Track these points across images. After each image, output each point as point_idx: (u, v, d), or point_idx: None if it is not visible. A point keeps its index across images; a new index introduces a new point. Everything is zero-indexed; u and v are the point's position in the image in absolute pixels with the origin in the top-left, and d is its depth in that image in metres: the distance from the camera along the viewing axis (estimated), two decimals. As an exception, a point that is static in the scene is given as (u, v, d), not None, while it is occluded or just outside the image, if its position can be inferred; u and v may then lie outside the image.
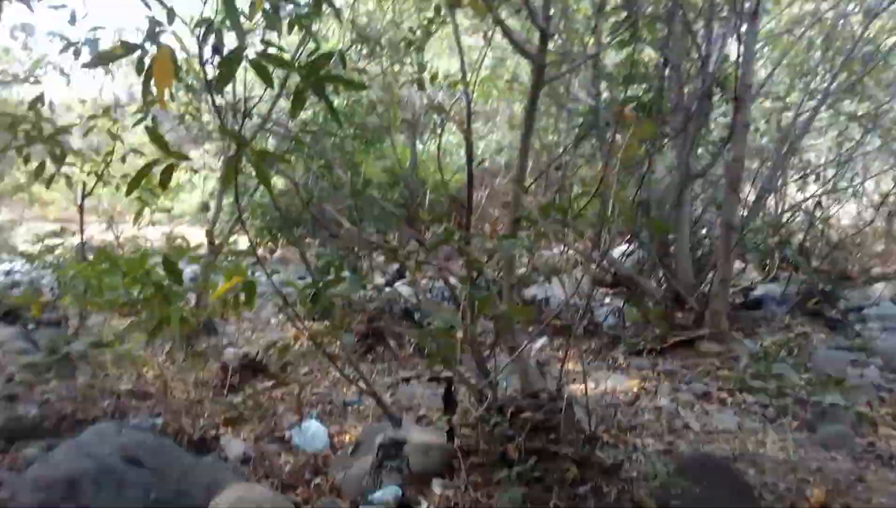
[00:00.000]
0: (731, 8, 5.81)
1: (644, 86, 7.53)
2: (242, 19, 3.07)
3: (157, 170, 2.52)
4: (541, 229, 3.19)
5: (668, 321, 5.76)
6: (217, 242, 7.32)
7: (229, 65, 2.28)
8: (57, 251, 8.42)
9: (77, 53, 4.61)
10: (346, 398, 5.30)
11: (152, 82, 2.28)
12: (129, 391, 5.27)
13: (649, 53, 8.34)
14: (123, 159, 5.89)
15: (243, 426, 4.69)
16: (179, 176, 7.36)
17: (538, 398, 3.36)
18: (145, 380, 5.66)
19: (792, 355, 5.39)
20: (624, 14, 5.45)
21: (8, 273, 9.07)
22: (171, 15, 2.37)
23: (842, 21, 7.47)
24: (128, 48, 2.32)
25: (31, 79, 14.25)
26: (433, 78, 3.81)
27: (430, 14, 4.37)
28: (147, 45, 2.36)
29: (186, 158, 2.74)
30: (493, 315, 3.49)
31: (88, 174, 5.65)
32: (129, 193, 2.64)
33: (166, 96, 2.36)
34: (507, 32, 3.64)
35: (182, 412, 4.81)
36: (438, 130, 7.92)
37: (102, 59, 2.36)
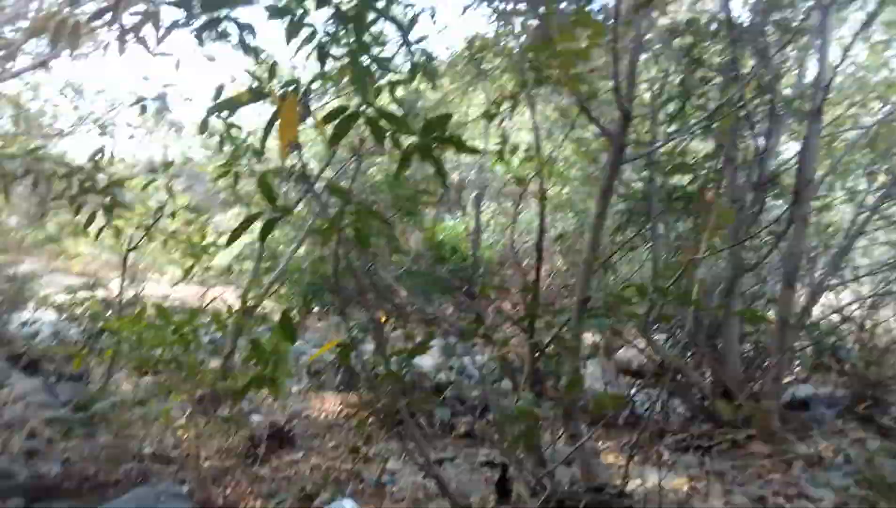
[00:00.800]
0: (787, 104, 5.84)
1: (690, 176, 7.55)
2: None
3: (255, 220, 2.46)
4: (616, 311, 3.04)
5: (716, 417, 5.51)
6: (250, 304, 7.23)
7: (346, 122, 2.23)
8: (86, 305, 8.37)
9: (144, 109, 4.68)
10: (378, 476, 5.04)
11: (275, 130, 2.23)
12: (151, 454, 5.06)
13: (696, 144, 8.42)
14: (173, 215, 5.88)
15: (272, 501, 4.44)
16: (208, 237, 7.35)
17: (601, 493, 3.13)
18: (168, 444, 5.45)
19: (849, 462, 5.12)
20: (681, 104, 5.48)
21: (25, 324, 8.96)
22: (272, 71, 2.37)
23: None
24: (256, 95, 2.29)
25: (74, 133, 14.64)
26: (513, 151, 3.78)
27: (511, 89, 4.41)
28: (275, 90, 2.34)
29: (290, 211, 2.67)
30: (556, 398, 3.30)
31: (137, 228, 5.63)
32: (230, 242, 2.58)
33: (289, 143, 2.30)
34: (588, 112, 3.62)
35: (209, 481, 4.58)
36: (475, 206, 7.93)
37: (226, 107, 2.31)
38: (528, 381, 3.48)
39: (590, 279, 3.44)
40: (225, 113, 4.69)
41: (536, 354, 3.49)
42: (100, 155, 5.43)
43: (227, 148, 5.00)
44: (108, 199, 5.34)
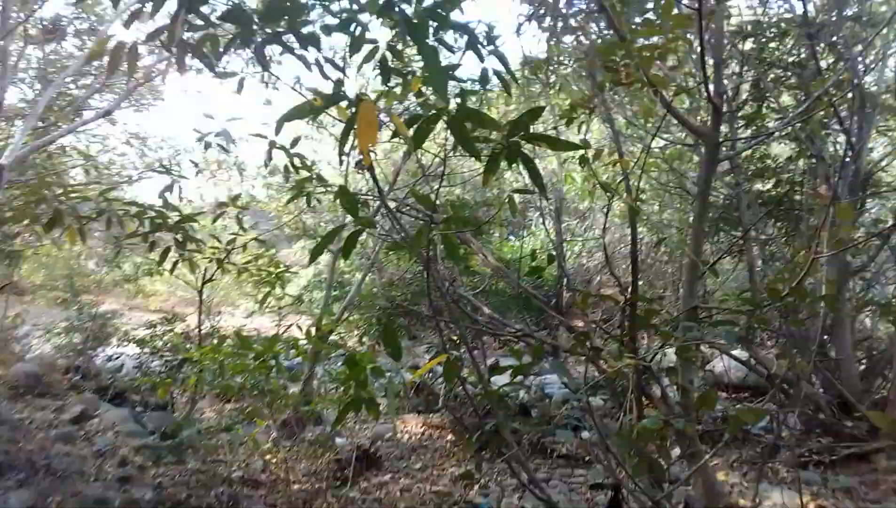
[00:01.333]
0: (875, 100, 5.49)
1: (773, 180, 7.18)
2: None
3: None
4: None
5: (837, 430, 5.07)
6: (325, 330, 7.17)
7: (428, 123, 2.09)
8: (165, 338, 8.50)
9: (208, 145, 4.72)
10: (469, 497, 4.81)
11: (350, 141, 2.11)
12: (241, 478, 4.98)
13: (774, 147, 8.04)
14: (244, 248, 5.89)
15: (366, 524, 4.27)
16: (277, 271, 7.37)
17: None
18: (255, 468, 5.37)
19: None
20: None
21: (109, 358, 9.17)
22: (338, 86, 2.26)
23: None
24: (329, 101, 2.19)
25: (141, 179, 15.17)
26: (597, 155, 3.58)
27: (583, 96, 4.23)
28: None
29: (373, 224, 2.55)
30: (670, 415, 3.03)
31: (210, 261, 5.66)
32: (312, 260, 2.46)
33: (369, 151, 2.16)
34: (675, 113, 3.42)
35: (300, 505, 4.46)
36: (555, 219, 7.72)
37: (296, 115, 2.20)
38: (634, 397, 3.22)
39: (695, 287, 3.19)
40: (289, 146, 4.71)
41: (642, 368, 3.24)
42: (169, 192, 5.50)
43: (293, 178, 4.98)
44: (179, 235, 5.39)
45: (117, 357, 9.21)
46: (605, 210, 4.38)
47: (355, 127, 2.11)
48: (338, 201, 2.36)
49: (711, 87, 3.77)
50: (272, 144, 4.49)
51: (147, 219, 5.33)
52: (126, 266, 14.97)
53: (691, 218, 4.89)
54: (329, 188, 4.80)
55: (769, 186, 7.19)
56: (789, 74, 6.45)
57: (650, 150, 4.20)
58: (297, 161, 4.80)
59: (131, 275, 15.10)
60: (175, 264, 5.43)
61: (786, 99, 7.02)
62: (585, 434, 6.01)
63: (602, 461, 5.45)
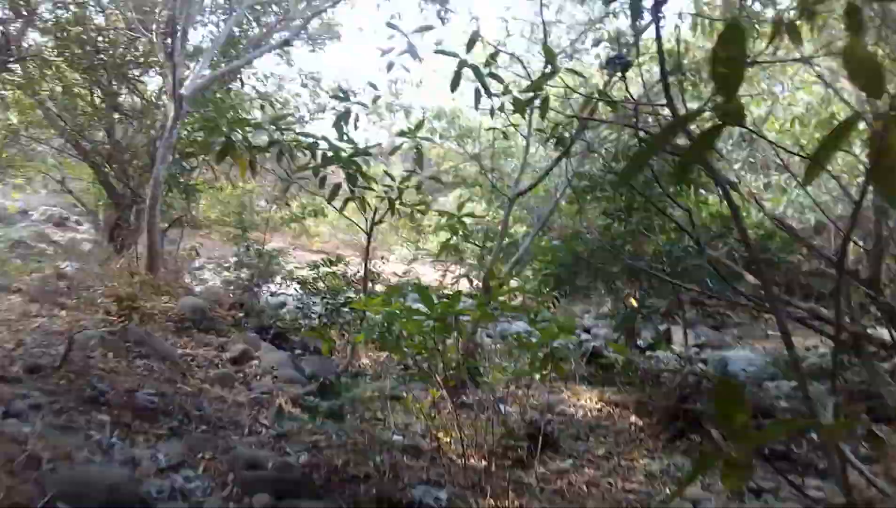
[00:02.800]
0: None
1: None
2: None
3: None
4: None
5: None
6: (495, 285, 6.45)
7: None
8: (327, 280, 8.26)
9: (390, 66, 4.06)
10: (670, 499, 3.90)
11: None
12: (401, 445, 4.42)
13: None
14: (418, 188, 5.21)
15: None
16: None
17: None
18: (414, 432, 4.82)
19: None
20: None
21: (273, 295, 9.11)
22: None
23: None
24: None
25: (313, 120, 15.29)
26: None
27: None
28: None
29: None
30: None
31: (382, 201, 5.05)
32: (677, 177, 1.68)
33: None
34: None
35: (468, 488, 3.80)
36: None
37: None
38: None
39: None
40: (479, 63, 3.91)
41: None
42: (344, 123, 4.95)
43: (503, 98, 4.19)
44: (352, 169, 4.85)
45: (280, 296, 9.15)
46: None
47: None
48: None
49: None
50: (462, 64, 3.74)
51: (318, 153, 4.86)
52: (294, 205, 15.25)
53: None
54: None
55: None
56: None
57: None
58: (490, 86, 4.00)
59: (297, 214, 15.37)
60: (346, 201, 4.89)
61: None
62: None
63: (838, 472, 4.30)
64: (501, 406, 5.42)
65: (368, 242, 5.31)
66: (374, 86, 4.63)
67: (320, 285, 7.91)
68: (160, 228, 8.43)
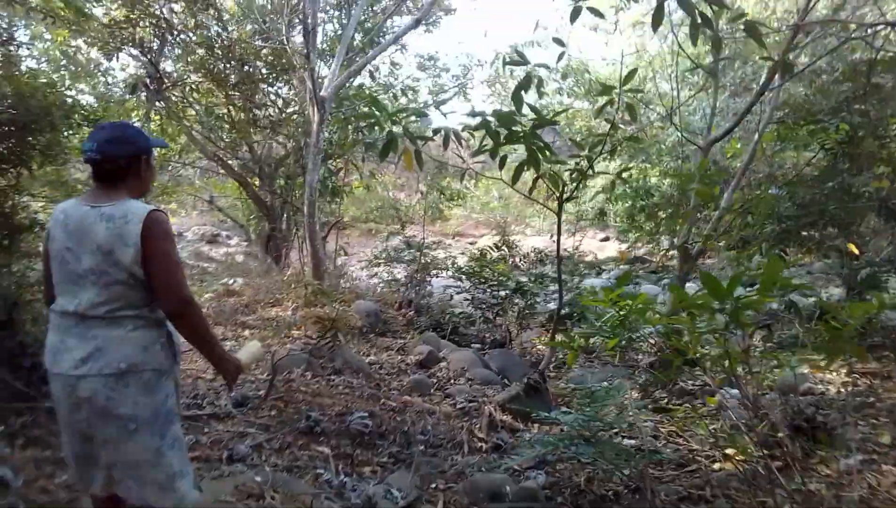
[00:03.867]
0: None
1: None
2: None
3: None
4: None
5: None
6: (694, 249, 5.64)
7: None
8: (492, 267, 7.75)
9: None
10: None
11: None
12: (638, 449, 3.80)
13: None
14: (613, 152, 4.43)
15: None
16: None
17: None
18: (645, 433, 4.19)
19: None
20: None
21: (433, 290, 8.68)
22: None
23: None
24: None
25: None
26: None
27: None
28: None
29: None
30: None
31: (572, 173, 4.37)
32: None
33: None
34: None
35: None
36: None
37: None
38: None
39: None
40: None
41: None
42: (524, 91, 4.31)
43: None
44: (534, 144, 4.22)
45: (443, 289, 8.75)
46: None
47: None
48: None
49: None
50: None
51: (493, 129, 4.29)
52: (433, 194, 14.96)
53: None
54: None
55: None
56: None
57: None
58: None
59: (435, 201, 15.05)
60: (535, 181, 4.32)
61: None
62: None
63: None
64: (728, 389, 4.67)
65: (559, 223, 4.68)
66: (559, 42, 3.92)
67: (486, 273, 7.40)
68: (320, 235, 8.29)
